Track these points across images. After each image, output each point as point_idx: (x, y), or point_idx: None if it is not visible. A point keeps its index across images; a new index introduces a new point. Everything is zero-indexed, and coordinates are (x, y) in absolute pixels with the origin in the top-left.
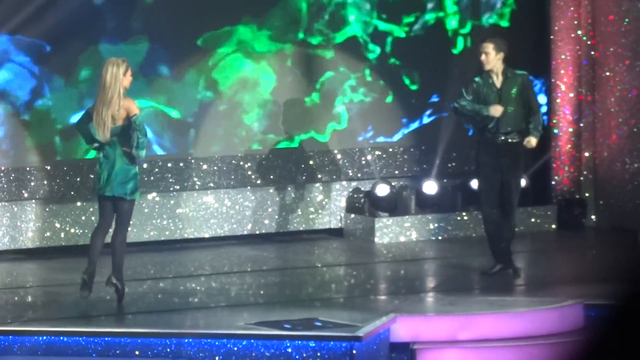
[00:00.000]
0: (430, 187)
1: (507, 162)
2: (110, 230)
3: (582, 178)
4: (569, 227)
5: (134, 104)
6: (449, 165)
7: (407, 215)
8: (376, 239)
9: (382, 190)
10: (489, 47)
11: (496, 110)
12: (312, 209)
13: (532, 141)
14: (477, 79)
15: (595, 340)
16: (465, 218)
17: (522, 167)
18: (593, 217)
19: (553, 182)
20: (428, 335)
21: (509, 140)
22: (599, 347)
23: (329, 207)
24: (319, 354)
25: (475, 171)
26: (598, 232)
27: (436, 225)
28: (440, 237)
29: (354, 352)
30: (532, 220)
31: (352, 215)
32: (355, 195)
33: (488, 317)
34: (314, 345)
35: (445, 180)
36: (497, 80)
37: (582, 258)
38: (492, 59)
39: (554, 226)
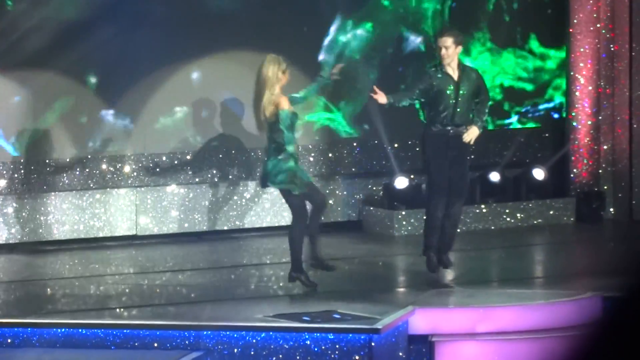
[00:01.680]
0: None
1: (454, 154)
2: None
3: (600, 171)
4: (588, 220)
5: (285, 101)
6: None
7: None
8: (395, 232)
9: (401, 183)
10: (448, 41)
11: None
12: (330, 202)
13: (473, 132)
14: (431, 70)
15: (609, 332)
16: (484, 210)
17: (468, 161)
18: (611, 209)
19: (572, 175)
20: (447, 328)
21: (459, 133)
22: (613, 338)
23: (347, 199)
24: (337, 346)
25: (424, 164)
26: (616, 225)
27: None
28: (458, 230)
29: (373, 344)
30: (551, 212)
31: (371, 208)
32: (374, 188)
33: (506, 310)
34: (332, 337)
35: None
36: (454, 73)
37: (600, 250)
38: (452, 52)
39: (572, 219)
